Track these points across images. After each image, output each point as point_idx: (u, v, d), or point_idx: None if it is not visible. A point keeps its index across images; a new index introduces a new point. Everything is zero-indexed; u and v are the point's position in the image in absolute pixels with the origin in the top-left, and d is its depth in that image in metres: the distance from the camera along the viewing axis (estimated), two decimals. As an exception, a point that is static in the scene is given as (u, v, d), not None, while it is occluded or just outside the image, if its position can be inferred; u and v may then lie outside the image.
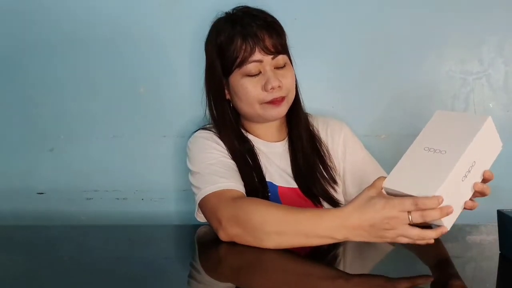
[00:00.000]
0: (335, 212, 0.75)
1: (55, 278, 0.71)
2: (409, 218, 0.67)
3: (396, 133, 1.25)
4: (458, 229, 0.89)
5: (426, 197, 0.65)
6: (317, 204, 1.00)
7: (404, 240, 0.69)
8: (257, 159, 1.00)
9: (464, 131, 0.69)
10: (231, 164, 0.96)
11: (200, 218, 1.01)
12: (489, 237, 0.86)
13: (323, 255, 0.79)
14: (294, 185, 1.01)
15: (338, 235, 0.73)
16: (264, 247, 0.78)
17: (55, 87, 1.26)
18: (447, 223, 0.67)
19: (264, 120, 1.00)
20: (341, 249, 0.80)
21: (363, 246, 0.80)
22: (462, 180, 0.68)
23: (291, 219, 0.77)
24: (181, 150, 1.24)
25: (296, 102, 1.02)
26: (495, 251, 0.77)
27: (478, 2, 1.21)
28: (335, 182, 1.02)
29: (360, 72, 1.25)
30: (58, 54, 1.25)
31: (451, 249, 0.82)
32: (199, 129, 1.04)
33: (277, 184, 1.00)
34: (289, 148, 1.04)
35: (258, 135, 1.04)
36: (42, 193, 1.29)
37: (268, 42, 0.93)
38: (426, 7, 1.21)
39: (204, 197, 0.89)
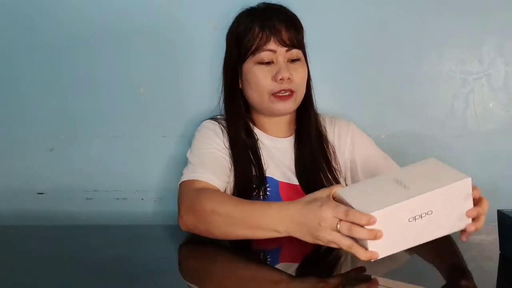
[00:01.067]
0: (282, 205, 0.77)
1: (55, 278, 0.71)
2: (337, 226, 0.68)
3: (396, 133, 1.25)
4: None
5: (360, 212, 0.65)
6: None
7: (336, 246, 0.70)
8: (258, 153, 1.01)
9: (437, 180, 0.67)
10: (221, 158, 0.98)
11: None
12: (489, 237, 0.86)
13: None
14: (296, 182, 1.01)
15: (280, 228, 0.75)
16: (213, 236, 0.82)
17: (55, 87, 1.26)
18: (375, 248, 0.65)
19: (271, 113, 1.01)
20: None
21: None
22: (409, 221, 0.65)
23: (239, 209, 0.80)
24: (181, 150, 1.24)
25: (308, 99, 1.04)
26: (495, 251, 0.77)
27: (478, 2, 1.21)
28: (338, 183, 1.03)
29: (360, 72, 1.24)
30: (58, 54, 1.25)
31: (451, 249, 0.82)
32: (208, 118, 1.06)
33: (278, 180, 1.00)
34: (295, 145, 1.05)
35: (265, 129, 1.05)
36: (42, 193, 1.28)
37: (285, 35, 0.96)
38: (426, 7, 1.21)
39: (179, 184, 0.94)
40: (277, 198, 0.99)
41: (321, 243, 0.71)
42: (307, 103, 1.04)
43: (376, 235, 0.64)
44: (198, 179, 0.91)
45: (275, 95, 0.97)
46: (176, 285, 0.71)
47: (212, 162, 0.96)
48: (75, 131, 1.27)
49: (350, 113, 1.21)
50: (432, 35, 1.22)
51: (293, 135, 1.06)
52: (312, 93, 1.06)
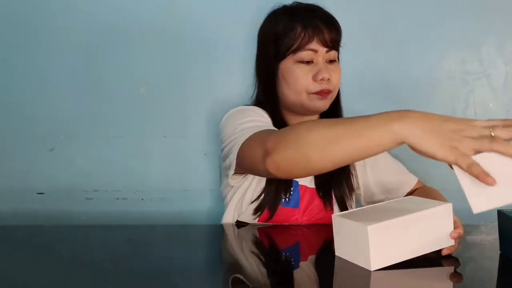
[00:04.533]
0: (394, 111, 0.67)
1: (55, 278, 0.71)
2: (490, 132, 0.59)
3: (396, 133, 1.25)
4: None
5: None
6: (327, 207, 1.00)
7: (472, 166, 0.58)
8: None
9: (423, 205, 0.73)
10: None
11: (227, 187, 1.02)
12: (489, 237, 0.86)
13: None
14: (311, 185, 1.01)
15: (397, 127, 0.63)
16: (309, 163, 0.69)
17: (55, 87, 1.26)
18: (380, 259, 0.68)
19: (306, 111, 1.00)
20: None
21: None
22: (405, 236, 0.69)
23: (340, 120, 0.70)
24: (181, 150, 1.24)
25: (337, 101, 1.05)
26: (495, 251, 0.77)
27: (478, 2, 1.21)
28: (353, 190, 1.04)
29: (360, 72, 1.25)
30: (58, 54, 1.25)
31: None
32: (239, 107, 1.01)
33: (298, 182, 1.00)
34: None
35: None
36: (42, 193, 1.28)
37: (327, 36, 0.96)
38: (426, 7, 1.21)
39: (244, 143, 0.83)
40: (296, 202, 0.98)
41: (452, 158, 0.58)
42: (335, 104, 1.04)
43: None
44: (268, 128, 0.84)
45: (314, 93, 0.96)
46: (176, 285, 0.71)
47: (269, 125, 0.89)
48: (75, 131, 1.27)
49: (350, 113, 1.21)
50: (432, 35, 1.22)
51: None
52: (340, 94, 1.06)
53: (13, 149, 1.28)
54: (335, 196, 1.01)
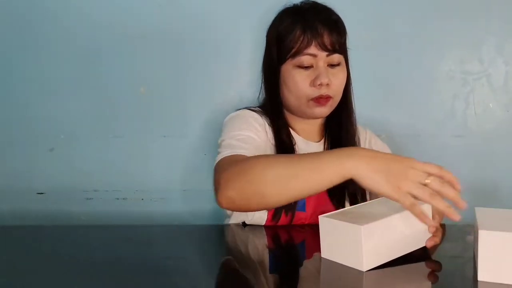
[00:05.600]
0: (350, 147, 0.73)
1: (55, 278, 0.71)
2: (425, 180, 0.66)
3: (396, 133, 1.25)
4: (458, 229, 0.89)
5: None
6: (338, 207, 0.97)
7: (410, 203, 0.66)
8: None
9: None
10: (263, 143, 0.94)
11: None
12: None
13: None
14: None
15: (349, 166, 0.68)
16: (263, 201, 0.74)
17: (55, 87, 1.26)
18: (372, 259, 0.68)
19: (306, 116, 1.00)
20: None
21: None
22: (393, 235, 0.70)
23: (295, 159, 0.74)
24: (181, 150, 1.24)
25: (347, 104, 1.02)
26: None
27: (478, 2, 1.21)
28: (364, 196, 1.01)
29: (360, 72, 1.24)
30: (58, 54, 1.25)
31: (451, 249, 0.82)
32: (244, 108, 1.03)
33: None
34: (327, 149, 1.03)
35: (298, 131, 1.03)
36: (42, 193, 1.28)
37: (327, 39, 0.92)
38: (426, 7, 1.21)
39: (216, 163, 0.86)
40: (302, 204, 0.96)
41: (396, 196, 0.66)
42: (344, 108, 1.01)
43: (461, 203, 0.65)
44: (237, 153, 0.85)
45: (313, 99, 0.94)
46: (176, 285, 0.71)
47: (252, 143, 0.91)
48: (75, 131, 1.27)
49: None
50: (432, 35, 1.22)
51: (322, 140, 1.05)
52: (352, 98, 1.03)
53: (13, 149, 1.28)
54: (347, 196, 0.98)
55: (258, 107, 1.04)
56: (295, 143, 1.00)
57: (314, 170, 0.70)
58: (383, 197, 0.75)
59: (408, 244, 0.72)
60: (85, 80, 1.25)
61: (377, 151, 0.71)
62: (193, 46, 1.24)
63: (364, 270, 0.67)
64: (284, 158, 0.75)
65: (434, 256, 0.76)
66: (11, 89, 1.27)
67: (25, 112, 1.27)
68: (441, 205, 0.65)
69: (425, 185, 0.66)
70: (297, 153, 0.98)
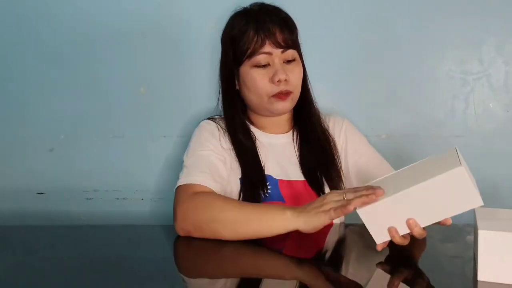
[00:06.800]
0: (285, 206, 0.83)
1: (55, 278, 0.71)
2: (343, 196, 0.75)
3: (396, 133, 1.25)
4: (458, 229, 0.89)
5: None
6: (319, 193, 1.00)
7: (336, 215, 0.73)
8: (257, 154, 1.01)
9: (433, 171, 0.69)
10: (217, 159, 0.98)
11: None
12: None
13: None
14: (294, 178, 1.01)
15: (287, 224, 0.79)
16: (218, 238, 0.83)
17: (55, 87, 1.26)
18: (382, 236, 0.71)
19: (270, 113, 1.02)
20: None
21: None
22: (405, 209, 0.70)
23: (242, 212, 0.83)
24: (181, 150, 1.24)
25: (307, 96, 1.05)
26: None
27: (478, 2, 1.21)
28: (340, 178, 1.03)
29: (360, 72, 1.25)
30: (58, 54, 1.25)
31: (451, 249, 0.82)
32: (207, 118, 1.07)
33: (277, 178, 1.00)
34: (297, 141, 1.06)
35: (262, 127, 1.06)
36: (42, 193, 1.29)
37: (279, 37, 0.96)
38: (426, 7, 1.21)
39: (175, 189, 0.93)
40: (278, 196, 0.99)
41: (323, 217, 0.75)
42: (304, 100, 1.05)
43: (376, 191, 0.70)
44: (194, 182, 0.92)
45: (274, 96, 0.98)
46: (176, 285, 0.71)
47: (208, 164, 0.96)
48: (75, 131, 1.27)
49: (350, 113, 1.21)
50: (432, 35, 1.22)
51: (291, 131, 1.07)
52: (310, 90, 1.07)
53: (13, 149, 1.28)
54: (329, 187, 1.01)
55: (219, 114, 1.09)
56: (255, 139, 1.03)
57: (263, 217, 0.82)
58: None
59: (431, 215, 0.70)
60: (85, 80, 1.25)
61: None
62: (193, 46, 1.24)
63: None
64: (239, 205, 0.86)
65: (434, 256, 0.76)
66: (11, 89, 1.27)
67: (25, 112, 1.27)
68: (356, 200, 0.71)
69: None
70: (259, 147, 1.03)
